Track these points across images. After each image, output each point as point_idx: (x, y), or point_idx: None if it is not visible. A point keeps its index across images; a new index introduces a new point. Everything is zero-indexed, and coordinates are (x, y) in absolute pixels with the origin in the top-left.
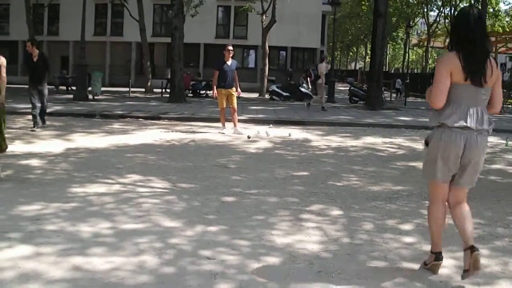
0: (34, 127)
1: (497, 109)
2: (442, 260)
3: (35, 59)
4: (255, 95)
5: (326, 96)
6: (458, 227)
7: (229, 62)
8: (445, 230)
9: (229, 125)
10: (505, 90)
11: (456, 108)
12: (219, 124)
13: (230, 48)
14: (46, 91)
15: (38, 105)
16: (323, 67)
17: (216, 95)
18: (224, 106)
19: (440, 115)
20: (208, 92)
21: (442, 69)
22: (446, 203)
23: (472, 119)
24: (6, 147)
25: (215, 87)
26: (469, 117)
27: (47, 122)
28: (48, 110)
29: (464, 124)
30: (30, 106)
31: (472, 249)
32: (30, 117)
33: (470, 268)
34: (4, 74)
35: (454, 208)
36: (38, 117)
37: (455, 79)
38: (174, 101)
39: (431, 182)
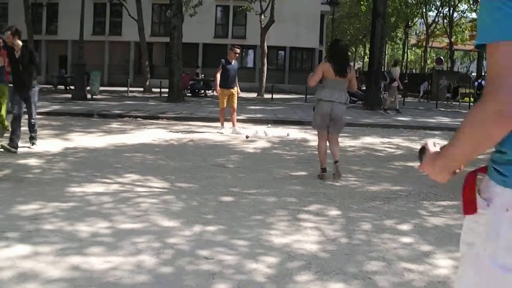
0: (11, 146)
1: (353, 89)
2: (326, 172)
3: (17, 55)
4: (254, 95)
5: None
6: (331, 151)
7: (233, 62)
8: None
9: (227, 125)
10: None
11: (329, 91)
12: (218, 124)
13: (238, 51)
14: (34, 98)
15: (22, 110)
16: (398, 71)
17: (219, 92)
18: (225, 106)
19: (319, 94)
20: (207, 91)
21: (319, 69)
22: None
23: (335, 96)
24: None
25: (218, 86)
26: (333, 95)
27: (44, 122)
28: (46, 110)
29: (330, 99)
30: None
31: (336, 162)
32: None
33: (335, 174)
34: None
35: (331, 143)
36: (18, 133)
37: (326, 75)
38: (173, 100)
39: (317, 131)
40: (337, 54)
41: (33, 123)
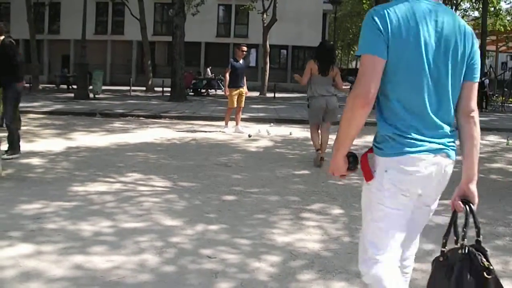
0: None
1: (339, 88)
2: (319, 151)
3: None
4: (256, 93)
5: None
6: (321, 137)
7: (241, 61)
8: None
9: (231, 124)
10: (506, 89)
11: (318, 86)
12: (220, 123)
13: (245, 49)
14: (9, 94)
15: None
16: None
17: (228, 93)
18: (235, 106)
19: (311, 90)
20: (209, 90)
21: (307, 67)
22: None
23: (325, 90)
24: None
25: (227, 87)
26: (323, 90)
27: (47, 121)
28: (48, 109)
29: (322, 93)
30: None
31: (319, 150)
32: (31, 116)
33: (316, 161)
34: None
35: (322, 131)
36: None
37: (313, 73)
38: (175, 100)
39: (311, 123)
40: (321, 54)
41: (6, 124)
